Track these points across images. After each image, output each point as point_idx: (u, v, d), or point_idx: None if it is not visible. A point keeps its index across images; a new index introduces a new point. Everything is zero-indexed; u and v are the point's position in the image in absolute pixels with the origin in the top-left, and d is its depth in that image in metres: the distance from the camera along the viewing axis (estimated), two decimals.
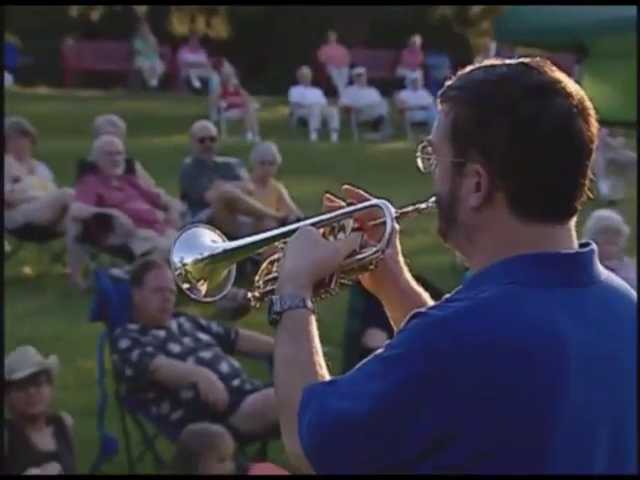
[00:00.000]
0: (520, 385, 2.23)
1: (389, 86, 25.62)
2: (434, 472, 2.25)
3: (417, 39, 27.92)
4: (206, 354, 7.31)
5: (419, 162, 2.49)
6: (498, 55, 2.59)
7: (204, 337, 7.46)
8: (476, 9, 35.45)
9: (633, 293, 2.48)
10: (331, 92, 25.10)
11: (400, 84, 25.89)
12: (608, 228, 8.69)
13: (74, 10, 34.39)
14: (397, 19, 31.03)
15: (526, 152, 2.33)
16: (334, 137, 22.97)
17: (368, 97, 24.05)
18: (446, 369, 2.22)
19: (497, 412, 2.23)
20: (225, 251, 2.68)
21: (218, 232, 2.71)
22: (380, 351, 2.31)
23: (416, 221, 2.67)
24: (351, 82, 25.38)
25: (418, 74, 25.97)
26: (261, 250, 2.76)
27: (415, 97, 24.13)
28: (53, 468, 6.14)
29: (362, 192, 2.69)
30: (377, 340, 7.14)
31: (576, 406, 2.29)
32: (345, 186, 2.71)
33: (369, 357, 2.34)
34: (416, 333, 2.27)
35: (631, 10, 11.70)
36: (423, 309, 2.32)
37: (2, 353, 6.24)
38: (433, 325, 2.25)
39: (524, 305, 2.28)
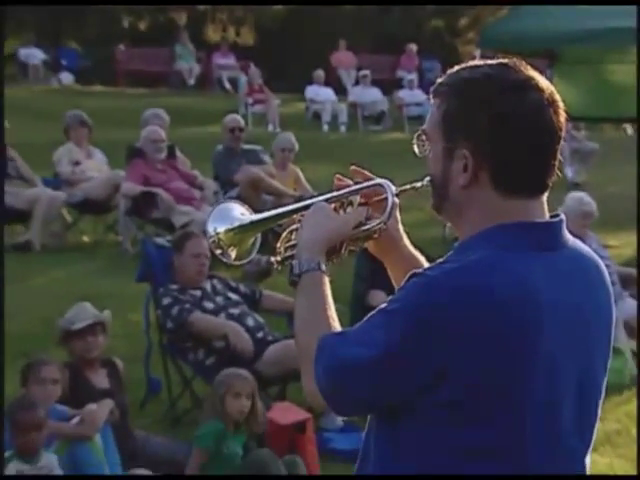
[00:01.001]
0: (501, 331, 2.26)
1: (389, 86, 25.55)
2: (431, 408, 2.28)
3: (413, 46, 27.87)
4: (235, 310, 7.33)
5: (415, 148, 2.50)
6: None
7: (233, 296, 7.48)
8: (464, 22, 35.35)
9: (596, 257, 2.50)
10: (341, 91, 25.05)
11: (399, 84, 25.80)
12: (589, 214, 8.56)
13: (125, 21, 34.40)
14: (397, 29, 30.91)
15: (505, 138, 2.34)
16: (343, 129, 23.01)
17: (372, 95, 24.13)
18: (439, 319, 2.24)
19: (482, 353, 2.25)
20: (252, 222, 2.69)
21: (246, 206, 2.72)
22: (384, 305, 2.34)
23: (411, 199, 2.66)
24: (357, 82, 25.33)
25: (414, 76, 25.84)
26: (282, 222, 2.76)
27: (411, 95, 24.14)
28: (107, 403, 6.16)
29: (367, 172, 2.71)
30: (378, 299, 7.14)
31: (548, 352, 2.31)
32: (353, 167, 2.73)
33: (374, 311, 2.36)
34: (414, 290, 2.29)
35: (595, 23, 11.69)
36: (420, 270, 2.35)
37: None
38: (429, 283, 2.28)
39: (505, 265, 2.30)
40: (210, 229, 2.68)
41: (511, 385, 2.28)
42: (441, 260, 2.37)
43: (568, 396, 2.37)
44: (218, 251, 2.69)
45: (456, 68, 2.47)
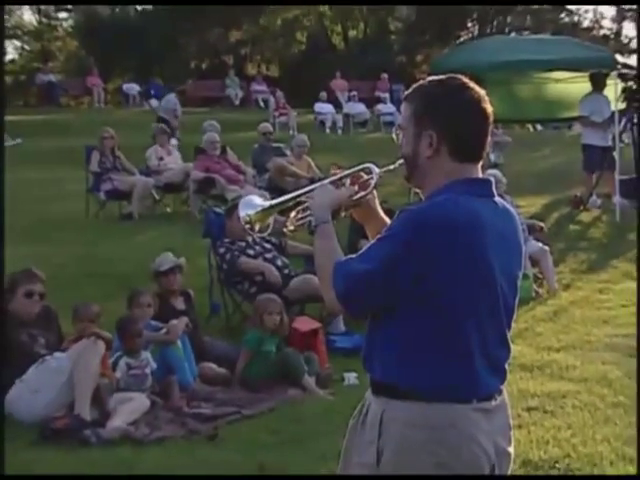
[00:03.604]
0: (463, 247, 2.25)
1: (371, 101, 25.52)
2: (413, 303, 2.27)
3: (385, 75, 27.77)
4: (268, 255, 7.28)
5: (394, 136, 2.50)
6: None
7: (267, 245, 7.41)
8: (419, 58, 35.21)
9: (512, 209, 2.50)
10: (338, 105, 24.96)
11: (377, 100, 25.77)
12: (499, 183, 8.53)
13: (192, 64, 34.34)
14: (374, 64, 30.69)
15: (457, 121, 2.36)
16: (340, 131, 23.00)
17: (359, 108, 24.28)
18: (421, 238, 2.23)
19: (450, 262, 2.24)
20: (271, 206, 2.67)
21: (263, 197, 2.73)
22: (380, 235, 2.34)
23: (385, 178, 2.63)
24: (349, 99, 25.31)
25: (387, 95, 25.94)
26: (291, 203, 2.71)
27: (386, 108, 24.43)
28: (184, 320, 6.13)
29: (344, 169, 2.71)
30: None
31: (490, 262, 2.31)
32: (334, 165, 2.74)
33: (373, 240, 2.37)
34: (402, 220, 2.30)
35: (506, 56, 11.59)
36: (406, 207, 2.34)
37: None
38: (412, 215, 2.29)
39: (461, 203, 2.29)
40: (242, 214, 2.65)
41: (468, 284, 2.27)
42: (418, 202, 2.40)
43: (502, 294, 2.36)
44: (247, 226, 2.67)
45: (418, 82, 2.49)
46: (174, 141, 12.03)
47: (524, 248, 2.51)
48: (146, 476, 4.46)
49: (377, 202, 2.69)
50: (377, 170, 2.59)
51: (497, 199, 2.42)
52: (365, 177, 2.62)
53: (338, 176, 2.64)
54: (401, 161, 2.47)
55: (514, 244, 2.43)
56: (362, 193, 2.61)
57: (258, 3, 31.47)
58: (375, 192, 2.65)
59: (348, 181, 2.64)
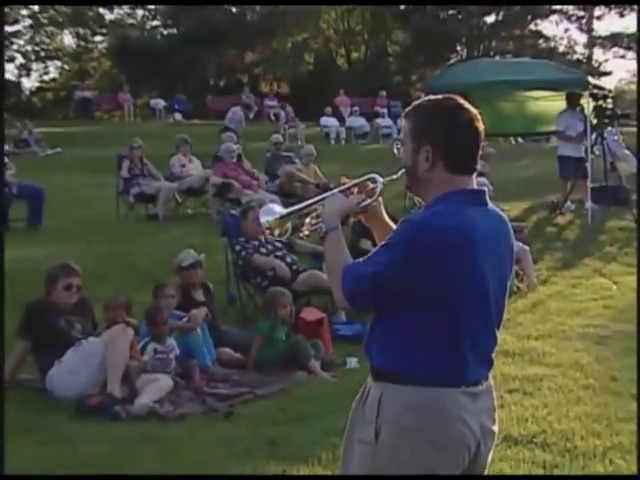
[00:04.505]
0: (457, 252, 2.24)
1: (370, 116, 25.41)
2: (415, 300, 2.25)
3: (384, 92, 27.66)
4: (279, 253, 7.28)
5: (395, 150, 2.47)
6: None
7: (277, 244, 7.40)
8: (414, 77, 35.14)
9: (504, 214, 2.47)
10: (341, 119, 24.93)
11: (376, 115, 25.67)
12: (484, 186, 8.52)
13: (211, 81, 34.31)
14: (373, 82, 30.67)
15: (452, 139, 2.32)
16: (342, 142, 22.97)
17: (360, 122, 24.27)
18: (419, 244, 2.23)
19: (446, 267, 2.23)
20: (288, 213, 2.64)
21: (281, 205, 2.70)
22: (384, 242, 2.33)
23: (386, 187, 2.61)
24: (351, 114, 25.29)
25: (385, 110, 25.82)
26: (306, 210, 2.70)
27: (384, 122, 24.24)
28: (204, 310, 6.14)
29: (352, 179, 2.68)
30: (366, 244, 7.09)
31: (481, 266, 2.29)
32: (343, 176, 2.70)
33: (378, 246, 2.35)
34: (404, 229, 2.29)
35: (492, 76, 11.58)
36: (408, 217, 2.32)
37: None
38: (413, 224, 2.28)
39: (456, 213, 2.27)
40: (263, 220, 2.63)
41: (462, 287, 2.26)
42: (418, 212, 2.38)
43: (492, 293, 2.34)
44: (268, 231, 2.65)
45: (417, 101, 2.46)
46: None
47: (514, 249, 2.49)
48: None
49: (382, 208, 2.67)
50: (381, 179, 2.57)
51: (490, 207, 2.39)
52: (371, 186, 2.59)
53: (347, 186, 2.62)
54: (403, 171, 2.45)
55: (505, 248, 2.41)
56: (368, 200, 2.58)
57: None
58: (380, 199, 2.64)
59: (356, 190, 2.62)
